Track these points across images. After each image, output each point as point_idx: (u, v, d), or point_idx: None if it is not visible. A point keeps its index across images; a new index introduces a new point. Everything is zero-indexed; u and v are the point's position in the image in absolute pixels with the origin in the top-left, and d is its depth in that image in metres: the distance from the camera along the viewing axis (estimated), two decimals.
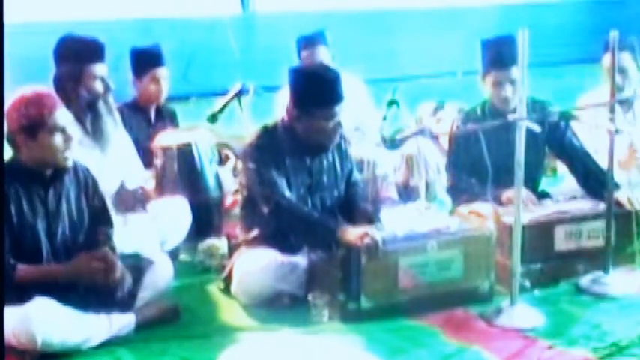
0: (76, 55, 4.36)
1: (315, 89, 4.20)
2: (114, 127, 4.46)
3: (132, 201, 4.44)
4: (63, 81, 4.34)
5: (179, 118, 5.58)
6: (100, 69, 4.39)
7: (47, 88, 3.89)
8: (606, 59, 5.03)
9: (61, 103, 3.81)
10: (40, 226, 3.78)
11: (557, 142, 4.83)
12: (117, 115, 4.52)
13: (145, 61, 5.26)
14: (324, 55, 5.69)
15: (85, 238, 3.92)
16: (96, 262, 3.78)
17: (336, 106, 4.21)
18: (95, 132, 4.36)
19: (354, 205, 4.46)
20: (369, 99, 6.02)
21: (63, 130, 3.75)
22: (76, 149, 4.15)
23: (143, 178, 4.68)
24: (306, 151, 4.31)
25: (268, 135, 4.31)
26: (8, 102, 3.69)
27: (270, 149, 4.26)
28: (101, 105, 4.39)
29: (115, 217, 4.19)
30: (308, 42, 5.75)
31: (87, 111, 4.34)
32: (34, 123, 3.70)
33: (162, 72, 5.29)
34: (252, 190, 4.31)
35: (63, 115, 3.77)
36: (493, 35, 4.74)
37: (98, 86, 4.38)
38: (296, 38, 5.80)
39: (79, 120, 4.32)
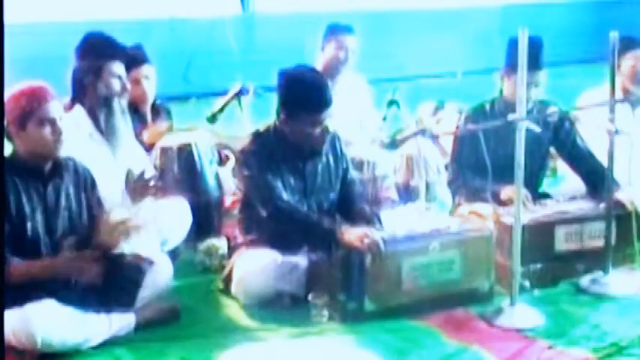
0: (99, 51, 4.44)
1: (302, 94, 4.19)
2: (125, 126, 4.48)
3: (141, 188, 4.39)
4: (82, 75, 4.41)
5: (179, 119, 5.56)
6: (118, 68, 4.44)
7: (44, 82, 3.92)
8: (627, 57, 5.06)
9: (53, 96, 3.85)
10: (39, 220, 3.79)
11: (562, 143, 4.83)
12: (128, 116, 4.53)
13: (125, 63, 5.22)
14: (352, 44, 5.68)
15: (82, 236, 3.92)
16: (84, 262, 3.78)
17: (322, 113, 4.20)
18: (107, 129, 4.40)
19: (351, 205, 4.45)
20: (370, 99, 6.02)
21: (52, 123, 3.78)
22: (86, 142, 4.21)
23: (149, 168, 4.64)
24: (299, 154, 4.31)
25: (261, 140, 4.31)
26: (8, 94, 3.73)
27: (264, 154, 4.25)
28: (116, 103, 4.42)
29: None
30: (338, 30, 5.71)
31: (102, 107, 4.39)
32: (24, 114, 3.76)
33: (144, 71, 5.20)
34: (250, 194, 4.31)
35: (54, 108, 3.81)
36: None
37: (116, 84, 4.42)
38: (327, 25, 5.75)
39: (93, 115, 4.39)
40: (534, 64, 4.44)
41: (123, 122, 4.46)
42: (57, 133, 3.80)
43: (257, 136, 4.35)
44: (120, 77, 4.44)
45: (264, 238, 4.30)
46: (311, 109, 4.19)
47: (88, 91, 4.38)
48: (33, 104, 3.76)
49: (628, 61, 5.19)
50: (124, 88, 4.45)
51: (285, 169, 4.28)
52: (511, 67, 4.61)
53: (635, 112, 5.35)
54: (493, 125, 4.44)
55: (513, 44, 4.63)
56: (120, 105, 4.45)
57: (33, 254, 3.76)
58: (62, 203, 3.87)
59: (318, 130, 4.22)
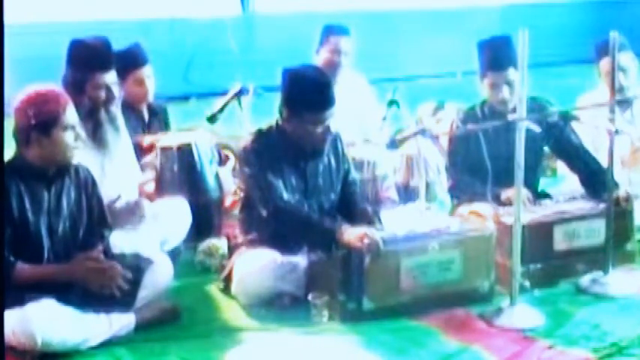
0: (83, 62, 4.35)
1: (306, 93, 4.19)
2: (115, 134, 4.44)
3: (128, 214, 4.42)
4: (69, 84, 4.36)
5: (179, 119, 5.56)
6: (105, 78, 4.37)
7: (59, 87, 3.92)
8: (604, 62, 5.06)
9: (70, 101, 3.86)
10: (42, 223, 3.80)
11: (556, 140, 4.83)
12: (120, 123, 4.50)
13: (125, 62, 5.08)
14: (346, 46, 5.68)
15: (83, 237, 3.94)
16: (91, 263, 3.80)
17: (325, 112, 4.20)
18: (95, 138, 4.37)
19: (352, 205, 4.45)
20: (372, 99, 6.01)
21: (74, 128, 3.81)
22: (80, 148, 4.18)
23: (139, 188, 4.64)
24: (301, 154, 4.31)
25: (263, 138, 4.31)
26: (20, 97, 3.75)
27: (266, 153, 4.26)
28: (102, 114, 4.38)
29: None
30: (333, 31, 5.71)
31: (88, 119, 4.35)
32: (49, 120, 3.75)
33: (145, 71, 5.23)
34: (250, 193, 4.31)
35: (73, 113, 3.83)
36: (489, 36, 4.73)
37: (101, 95, 4.36)
38: (323, 26, 5.76)
39: (84, 122, 4.34)
40: (502, 63, 4.48)
41: (112, 131, 4.42)
42: (78, 138, 3.83)
43: (259, 134, 4.35)
44: (107, 87, 4.36)
45: (265, 238, 4.31)
46: (314, 107, 4.19)
47: (75, 101, 4.33)
48: (58, 110, 3.76)
49: (605, 67, 5.18)
50: (111, 97, 4.38)
51: (286, 168, 4.28)
52: (482, 70, 4.67)
53: (624, 114, 5.36)
54: (487, 127, 4.47)
55: (481, 48, 4.71)
56: (109, 114, 4.40)
57: (35, 256, 3.76)
58: (64, 205, 3.88)
59: (320, 130, 4.22)
